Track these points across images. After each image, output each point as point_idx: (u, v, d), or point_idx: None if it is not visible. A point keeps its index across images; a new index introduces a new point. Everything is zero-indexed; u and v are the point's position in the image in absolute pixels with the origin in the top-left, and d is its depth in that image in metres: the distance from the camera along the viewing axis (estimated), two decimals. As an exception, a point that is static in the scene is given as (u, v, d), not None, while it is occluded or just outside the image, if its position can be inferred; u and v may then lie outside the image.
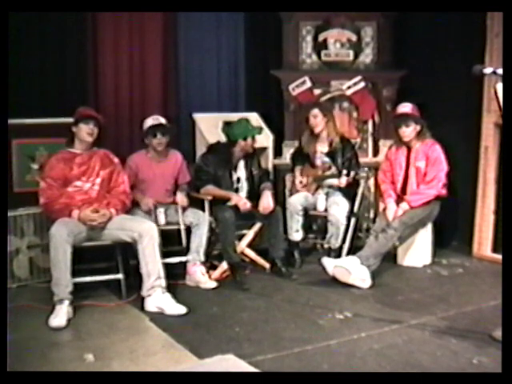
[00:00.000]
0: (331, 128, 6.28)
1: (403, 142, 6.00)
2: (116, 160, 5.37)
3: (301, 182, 6.29)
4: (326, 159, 6.26)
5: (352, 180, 5.99)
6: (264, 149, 6.91)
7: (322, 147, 6.32)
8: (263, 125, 6.97)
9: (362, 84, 7.20)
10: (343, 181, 5.94)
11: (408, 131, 5.92)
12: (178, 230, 5.63)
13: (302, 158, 6.38)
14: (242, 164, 6.04)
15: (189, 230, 5.63)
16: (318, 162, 6.29)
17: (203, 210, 5.75)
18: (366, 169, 6.16)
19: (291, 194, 6.37)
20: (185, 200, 5.71)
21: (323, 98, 7.28)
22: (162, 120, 5.76)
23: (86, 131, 5.12)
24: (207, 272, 5.63)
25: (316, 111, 6.26)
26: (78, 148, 5.20)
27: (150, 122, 5.75)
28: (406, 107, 5.99)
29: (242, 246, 5.96)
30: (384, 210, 6.01)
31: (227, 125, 5.99)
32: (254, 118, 6.90)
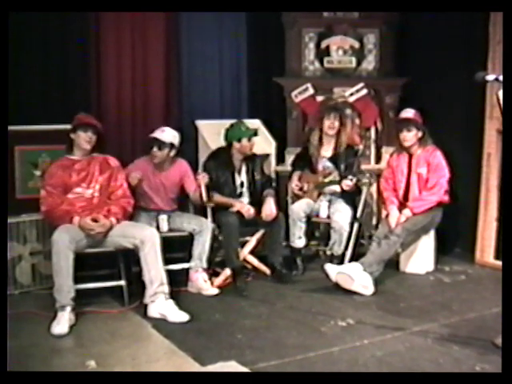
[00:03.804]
0: (344, 136, 6.30)
1: (404, 148, 6.01)
2: (114, 164, 5.36)
3: (297, 186, 6.29)
4: (329, 164, 6.26)
5: (354, 186, 5.98)
6: (267, 155, 6.91)
7: (326, 152, 6.33)
8: (265, 132, 7.00)
9: (365, 91, 7.21)
10: (348, 182, 5.92)
11: (409, 136, 5.93)
12: (181, 237, 5.67)
13: (303, 163, 6.39)
14: (244, 169, 6.04)
15: (191, 236, 5.63)
16: (320, 167, 6.29)
17: (206, 217, 5.75)
18: (367, 174, 6.15)
19: (293, 201, 6.37)
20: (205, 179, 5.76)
21: (330, 104, 7.29)
22: (165, 134, 5.68)
23: (84, 139, 5.13)
24: (209, 279, 5.62)
25: (336, 114, 6.29)
26: (77, 154, 5.20)
27: (155, 132, 5.72)
28: (408, 113, 6.00)
29: (245, 252, 5.96)
30: (387, 216, 6.01)
31: (226, 129, 6.00)
32: (257, 125, 6.92)
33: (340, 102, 7.27)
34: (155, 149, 5.65)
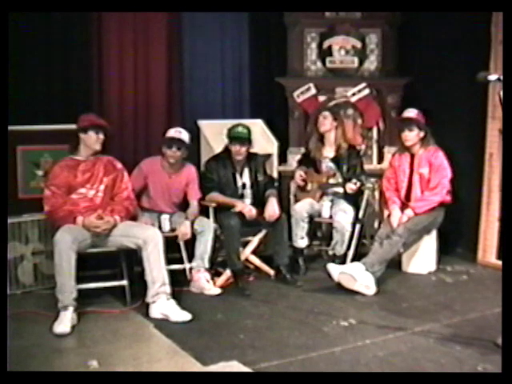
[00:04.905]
0: (340, 133, 6.29)
1: (406, 147, 6.01)
2: (119, 166, 5.37)
3: (301, 176, 6.29)
4: (331, 165, 6.26)
5: (357, 188, 5.98)
6: (269, 155, 6.91)
7: (328, 152, 6.33)
8: (267, 132, 7.00)
9: (367, 91, 7.23)
10: (352, 186, 5.92)
11: (411, 135, 5.94)
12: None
13: (308, 162, 6.38)
14: (246, 170, 6.04)
15: (193, 236, 5.63)
16: (324, 168, 6.29)
17: (208, 216, 5.75)
18: (372, 179, 6.14)
19: (296, 201, 6.37)
20: (188, 233, 5.60)
21: (330, 104, 7.29)
22: (184, 135, 5.69)
23: (96, 140, 5.14)
24: (212, 279, 5.62)
25: (327, 113, 6.31)
26: (82, 155, 5.20)
27: (171, 132, 5.71)
28: (411, 112, 6.01)
29: (247, 252, 5.95)
30: (388, 216, 6.01)
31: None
32: (259, 125, 6.93)
33: (340, 103, 7.29)
34: (174, 149, 5.63)
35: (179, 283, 5.49)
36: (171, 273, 5.16)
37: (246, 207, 5.81)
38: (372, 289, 5.42)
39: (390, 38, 7.44)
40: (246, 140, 5.88)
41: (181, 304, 4.97)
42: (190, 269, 5.67)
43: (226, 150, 5.99)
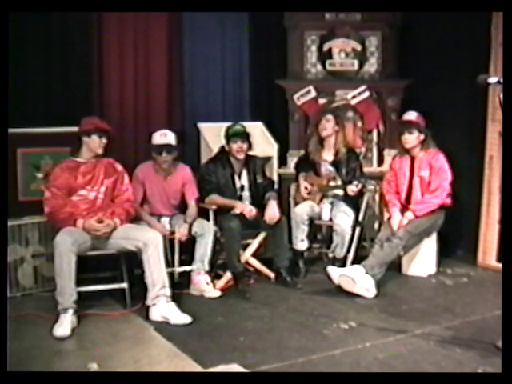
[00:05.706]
0: (340, 137, 6.28)
1: (406, 150, 6.01)
2: (120, 168, 5.37)
3: (306, 188, 6.28)
4: (331, 168, 6.26)
5: (359, 190, 5.98)
6: (269, 158, 6.91)
7: (328, 156, 6.33)
8: (267, 134, 6.99)
9: (367, 93, 7.22)
10: (353, 188, 5.91)
11: (410, 138, 5.93)
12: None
13: (307, 165, 6.38)
14: (245, 172, 6.04)
15: (194, 239, 5.63)
16: (323, 171, 6.29)
17: (208, 219, 5.75)
18: (373, 181, 6.14)
19: (296, 203, 6.37)
20: (185, 234, 5.61)
21: (333, 105, 7.29)
22: (170, 137, 5.66)
23: (99, 144, 5.14)
24: (212, 281, 5.62)
25: (330, 116, 6.29)
26: (83, 157, 5.20)
27: (157, 138, 5.67)
28: (411, 115, 6.01)
29: (247, 255, 5.94)
30: (389, 219, 6.01)
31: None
32: (259, 128, 6.93)
33: (340, 106, 7.28)
34: (164, 154, 5.62)
35: (179, 286, 5.49)
36: (172, 275, 5.15)
37: (247, 207, 5.81)
38: (372, 291, 5.42)
39: (390, 40, 7.43)
40: (246, 136, 5.90)
41: (181, 307, 4.97)
42: (180, 273, 5.69)
43: (224, 151, 5.99)
